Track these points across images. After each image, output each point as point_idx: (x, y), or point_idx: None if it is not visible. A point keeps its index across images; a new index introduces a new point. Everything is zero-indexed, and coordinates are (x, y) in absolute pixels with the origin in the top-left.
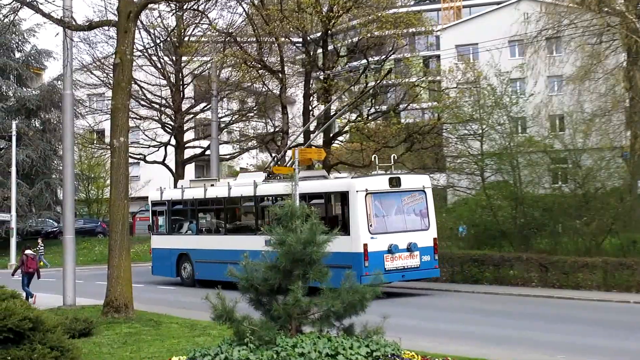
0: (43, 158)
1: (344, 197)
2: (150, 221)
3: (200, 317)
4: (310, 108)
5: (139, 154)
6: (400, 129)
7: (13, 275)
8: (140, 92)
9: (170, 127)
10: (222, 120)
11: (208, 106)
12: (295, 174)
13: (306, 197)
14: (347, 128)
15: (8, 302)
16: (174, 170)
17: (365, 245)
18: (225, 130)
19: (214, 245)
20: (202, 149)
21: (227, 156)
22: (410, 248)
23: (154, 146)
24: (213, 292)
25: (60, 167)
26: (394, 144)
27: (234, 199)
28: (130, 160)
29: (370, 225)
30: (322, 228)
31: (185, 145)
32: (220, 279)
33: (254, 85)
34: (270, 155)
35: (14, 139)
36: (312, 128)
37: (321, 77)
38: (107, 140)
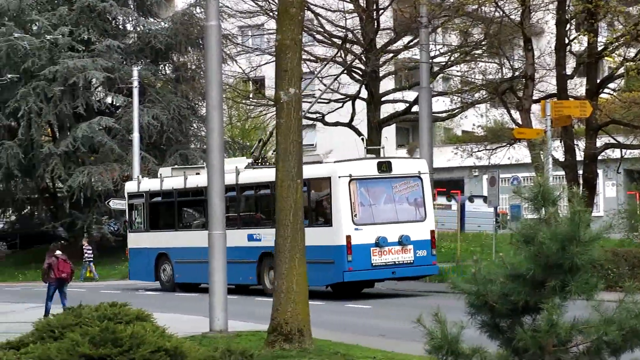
0: (177, 120)
1: (326, 184)
2: (127, 216)
3: (407, 348)
4: (566, 41)
5: (315, 113)
6: None
7: (45, 281)
8: (315, 23)
9: (360, 73)
10: (435, 61)
11: (415, 41)
12: (546, 137)
13: None
14: (622, 70)
15: (135, 327)
16: (365, 135)
17: (348, 237)
18: (441, 76)
19: (195, 243)
20: (407, 104)
21: (444, 114)
22: (402, 241)
23: (336, 101)
24: (427, 314)
25: (202, 133)
26: None
27: None
28: (304, 121)
29: (355, 215)
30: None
31: (382, 99)
32: (202, 281)
33: (482, 8)
34: (507, 111)
35: (135, 92)
36: (569, 71)
37: None
38: (269, 92)
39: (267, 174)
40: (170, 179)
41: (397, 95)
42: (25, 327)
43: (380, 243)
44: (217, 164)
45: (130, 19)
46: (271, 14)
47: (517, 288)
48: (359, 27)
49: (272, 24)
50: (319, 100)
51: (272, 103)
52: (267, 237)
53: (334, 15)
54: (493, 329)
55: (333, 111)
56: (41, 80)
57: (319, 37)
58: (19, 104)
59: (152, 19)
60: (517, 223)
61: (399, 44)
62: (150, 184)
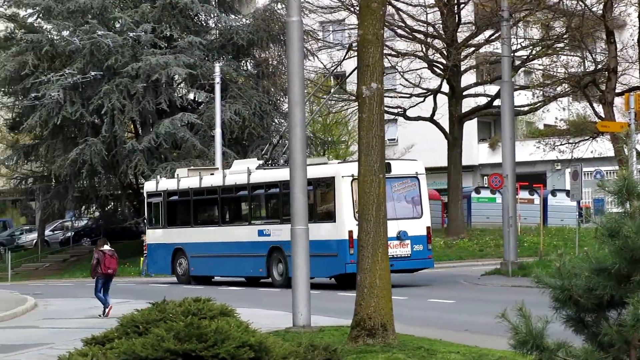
0: (259, 115)
1: (330, 184)
2: (146, 214)
3: (491, 343)
4: None
5: (397, 107)
6: None
7: (93, 276)
8: (396, 18)
9: (442, 67)
10: (516, 55)
11: (496, 35)
12: (630, 130)
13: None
14: None
15: (219, 322)
16: (446, 130)
17: (350, 232)
18: (522, 69)
19: (209, 238)
20: (488, 98)
21: (525, 108)
22: (400, 236)
23: (417, 95)
24: (511, 309)
25: (284, 128)
26: None
27: (228, 187)
28: (386, 116)
29: (356, 212)
30: None
31: (464, 93)
32: (215, 274)
33: (564, 1)
34: (590, 104)
35: (217, 88)
36: None
37: None
38: (351, 87)
39: (276, 175)
40: (187, 179)
41: (479, 89)
42: (109, 323)
43: None
44: (299, 158)
45: (212, 15)
46: (352, 9)
47: (602, 282)
48: (440, 22)
49: (353, 19)
50: (401, 94)
51: (354, 98)
52: (275, 232)
53: (415, 10)
54: (578, 324)
55: (414, 105)
56: (124, 77)
57: (400, 32)
58: (103, 101)
59: (233, 16)
60: (602, 217)
61: (480, 37)
62: (167, 184)
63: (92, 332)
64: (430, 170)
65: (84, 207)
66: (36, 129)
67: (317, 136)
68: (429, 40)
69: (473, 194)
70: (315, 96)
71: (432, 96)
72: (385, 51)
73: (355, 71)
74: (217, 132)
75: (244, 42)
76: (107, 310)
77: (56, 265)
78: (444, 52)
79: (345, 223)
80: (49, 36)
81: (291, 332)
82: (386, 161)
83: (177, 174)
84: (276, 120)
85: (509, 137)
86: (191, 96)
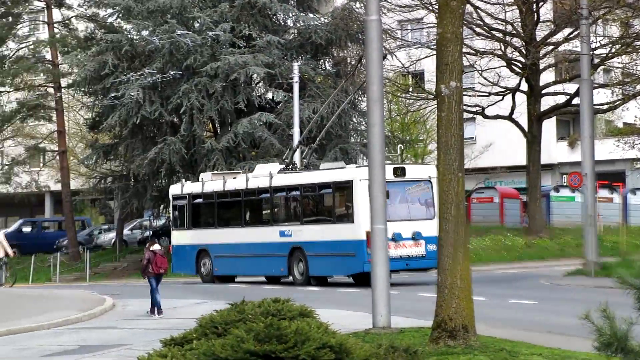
0: (338, 115)
1: (348, 187)
2: (171, 216)
3: (574, 344)
4: None
5: (475, 106)
6: None
7: (144, 276)
8: (475, 16)
9: (520, 66)
10: (595, 53)
11: (575, 33)
12: None
13: (316, 187)
14: None
15: (299, 323)
16: (525, 128)
17: (367, 233)
18: (602, 67)
19: (232, 239)
20: (567, 97)
21: (605, 106)
22: (415, 236)
23: (496, 94)
24: (594, 310)
25: (362, 127)
26: None
27: (251, 190)
28: (464, 114)
29: None
30: None
31: (542, 92)
32: (238, 273)
33: None
34: None
35: (296, 88)
36: None
37: None
38: (429, 86)
39: (297, 178)
40: (211, 183)
41: (558, 87)
42: (187, 323)
43: (396, 238)
44: (378, 157)
45: (290, 14)
46: (431, 7)
47: None
48: (519, 20)
49: (431, 18)
50: (479, 93)
51: (433, 97)
52: (296, 233)
53: (493, 8)
54: None
55: (493, 104)
56: (203, 76)
57: (478, 30)
58: (182, 100)
59: (311, 15)
60: None
61: (559, 36)
62: (192, 187)
63: (171, 333)
64: (509, 169)
65: (162, 206)
66: (115, 129)
67: (395, 135)
68: (507, 38)
69: (552, 193)
70: (393, 95)
71: (510, 94)
72: (464, 50)
73: (434, 70)
74: (296, 131)
75: (322, 41)
76: (156, 310)
77: (134, 265)
78: (523, 50)
79: (363, 224)
80: (129, 36)
81: (371, 334)
82: (401, 166)
83: (202, 178)
84: (354, 119)
85: (588, 136)
86: (269, 95)
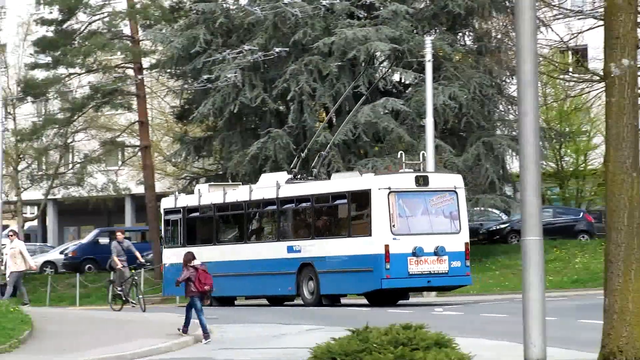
0: (479, 101)
1: (365, 196)
2: (162, 232)
3: None
4: None
5: None
6: None
7: (187, 296)
8: None
9: None
10: None
11: None
12: None
13: (329, 198)
14: None
15: (437, 354)
16: None
17: (386, 247)
18: None
19: (232, 257)
20: None
21: None
22: (438, 252)
23: None
24: None
25: (511, 117)
26: None
27: (255, 202)
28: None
29: (393, 226)
30: None
31: None
32: (237, 294)
33: None
34: None
35: (428, 68)
36: None
37: None
38: (594, 65)
39: (307, 188)
40: (209, 195)
41: None
42: (300, 354)
43: (417, 253)
44: (531, 153)
45: None
46: None
47: None
48: None
49: None
50: None
51: (599, 79)
52: (306, 248)
53: None
54: None
55: None
56: (314, 54)
57: None
58: (289, 83)
59: None
60: None
61: None
62: (187, 200)
63: None
64: None
65: None
66: (209, 119)
67: (551, 127)
68: None
69: None
70: (549, 76)
71: None
72: (639, 20)
73: (601, 45)
74: (429, 121)
75: (461, 10)
76: (202, 334)
77: None
78: None
79: (382, 237)
80: (224, 5)
81: None
82: (424, 174)
83: (198, 190)
84: (501, 107)
85: None
86: (396, 77)
